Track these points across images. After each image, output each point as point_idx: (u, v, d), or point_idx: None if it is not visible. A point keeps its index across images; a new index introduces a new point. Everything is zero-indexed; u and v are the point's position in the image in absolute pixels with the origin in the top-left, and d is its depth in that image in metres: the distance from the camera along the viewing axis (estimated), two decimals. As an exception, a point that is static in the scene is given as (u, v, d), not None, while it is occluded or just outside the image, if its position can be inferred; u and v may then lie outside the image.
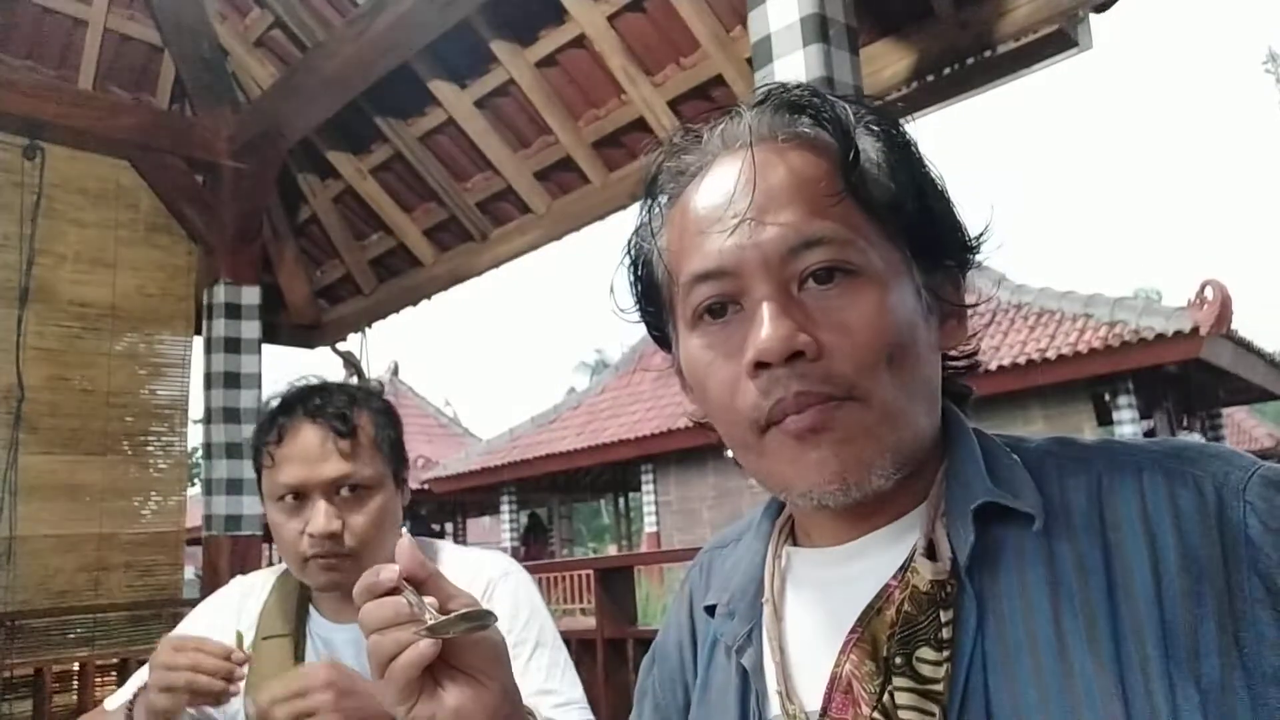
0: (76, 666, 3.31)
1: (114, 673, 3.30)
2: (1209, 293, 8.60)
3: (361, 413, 1.28)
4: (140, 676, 1.24)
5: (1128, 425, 9.71)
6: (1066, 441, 0.63)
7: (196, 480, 7.62)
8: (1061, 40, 2.56)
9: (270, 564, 1.61)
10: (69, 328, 3.55)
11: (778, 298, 0.59)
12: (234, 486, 3.62)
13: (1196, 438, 1.82)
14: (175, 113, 4.04)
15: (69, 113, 3.47)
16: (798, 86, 0.65)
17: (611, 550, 22.34)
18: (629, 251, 0.71)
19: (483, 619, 0.62)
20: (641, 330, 0.73)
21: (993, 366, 9.40)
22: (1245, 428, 18.83)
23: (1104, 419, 10.17)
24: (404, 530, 1.30)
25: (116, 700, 1.27)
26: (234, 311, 3.78)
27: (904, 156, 0.64)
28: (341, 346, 4.80)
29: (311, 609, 1.34)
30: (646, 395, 14.14)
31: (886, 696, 0.57)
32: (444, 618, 0.60)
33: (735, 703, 0.68)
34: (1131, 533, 0.56)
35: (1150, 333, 8.90)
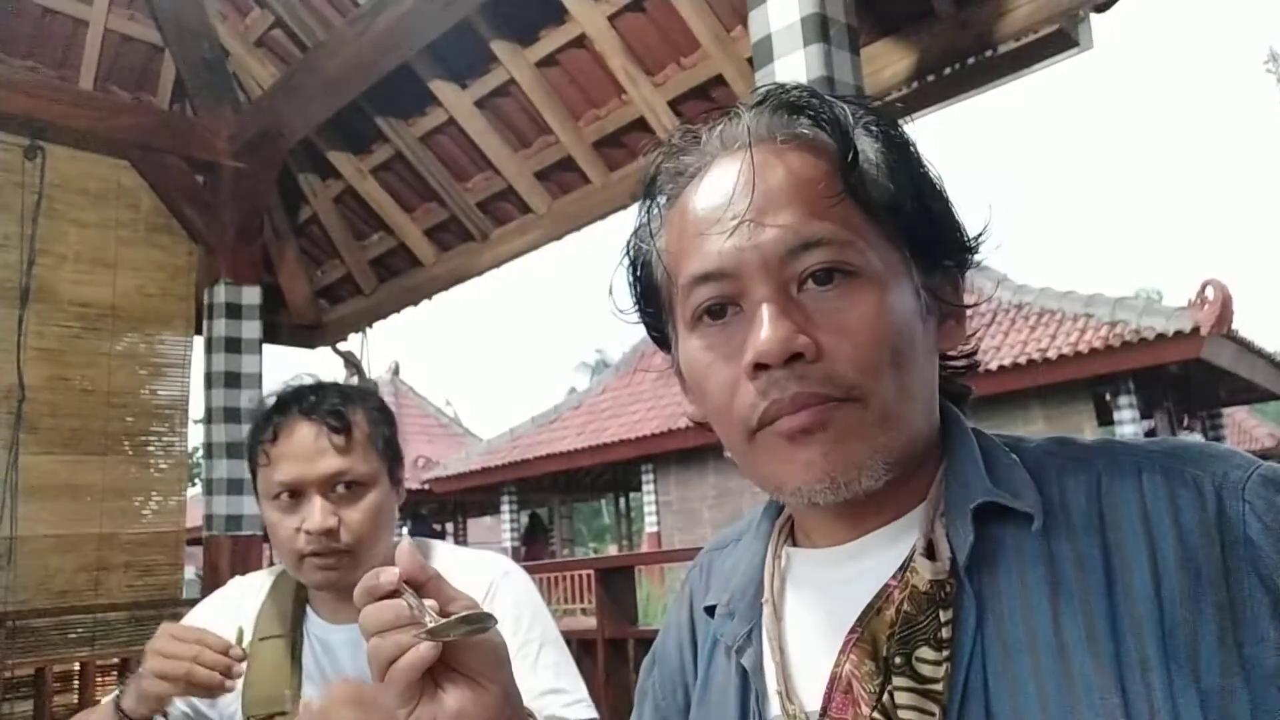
0: (77, 667, 3.31)
1: (114, 673, 3.29)
2: (1210, 292, 8.59)
3: (356, 410, 1.28)
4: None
5: (1128, 425, 9.70)
6: (1066, 441, 0.63)
7: (197, 480, 7.63)
8: (1062, 40, 2.56)
9: (270, 564, 1.61)
10: (69, 328, 3.55)
11: (777, 299, 0.59)
12: (234, 486, 3.62)
13: (1197, 437, 1.82)
14: (176, 113, 4.04)
15: (70, 113, 3.47)
16: (796, 87, 0.65)
17: (612, 550, 22.33)
18: (628, 252, 0.71)
19: (483, 621, 0.62)
20: (642, 330, 0.73)
21: (993, 366, 9.40)
22: (1246, 428, 18.82)
23: (1104, 419, 10.16)
24: (403, 531, 1.30)
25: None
26: (234, 311, 3.78)
27: (903, 157, 0.64)
28: (342, 347, 4.80)
29: (309, 610, 1.34)
30: (647, 395, 14.12)
31: (886, 696, 0.57)
32: (444, 620, 0.60)
33: (735, 703, 0.68)
34: (1131, 532, 0.56)
35: (1151, 332, 8.90)
